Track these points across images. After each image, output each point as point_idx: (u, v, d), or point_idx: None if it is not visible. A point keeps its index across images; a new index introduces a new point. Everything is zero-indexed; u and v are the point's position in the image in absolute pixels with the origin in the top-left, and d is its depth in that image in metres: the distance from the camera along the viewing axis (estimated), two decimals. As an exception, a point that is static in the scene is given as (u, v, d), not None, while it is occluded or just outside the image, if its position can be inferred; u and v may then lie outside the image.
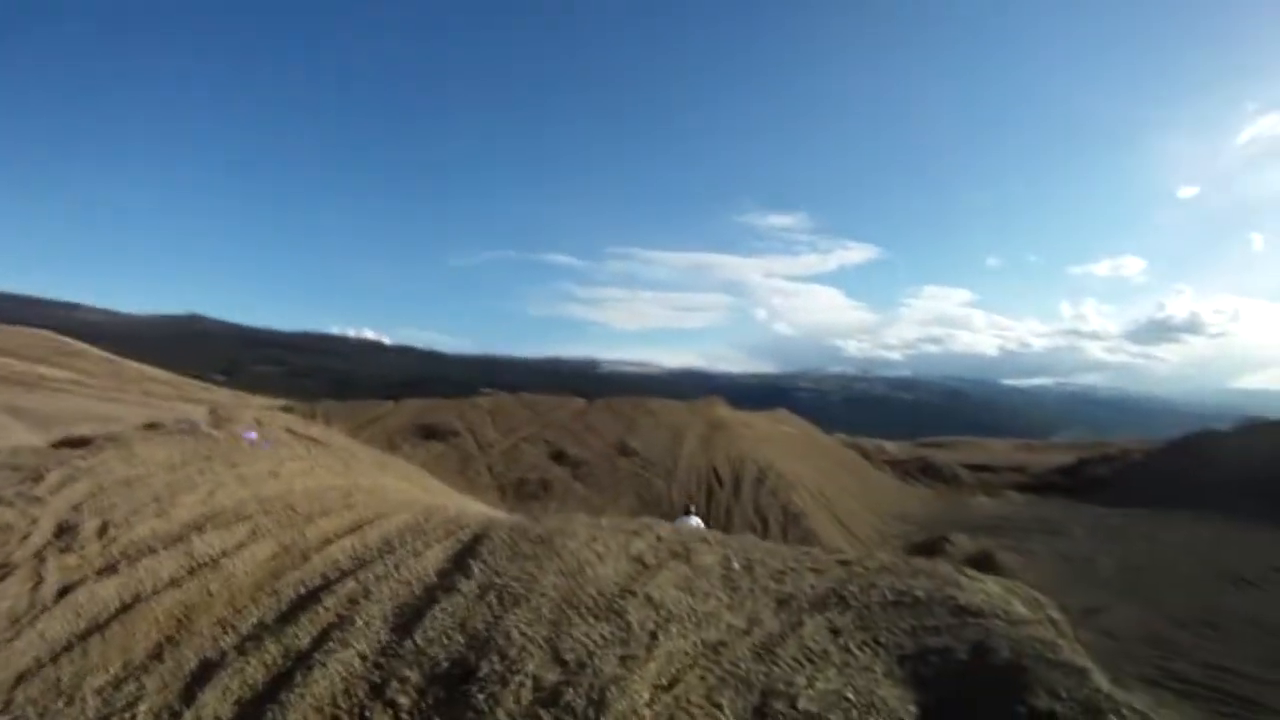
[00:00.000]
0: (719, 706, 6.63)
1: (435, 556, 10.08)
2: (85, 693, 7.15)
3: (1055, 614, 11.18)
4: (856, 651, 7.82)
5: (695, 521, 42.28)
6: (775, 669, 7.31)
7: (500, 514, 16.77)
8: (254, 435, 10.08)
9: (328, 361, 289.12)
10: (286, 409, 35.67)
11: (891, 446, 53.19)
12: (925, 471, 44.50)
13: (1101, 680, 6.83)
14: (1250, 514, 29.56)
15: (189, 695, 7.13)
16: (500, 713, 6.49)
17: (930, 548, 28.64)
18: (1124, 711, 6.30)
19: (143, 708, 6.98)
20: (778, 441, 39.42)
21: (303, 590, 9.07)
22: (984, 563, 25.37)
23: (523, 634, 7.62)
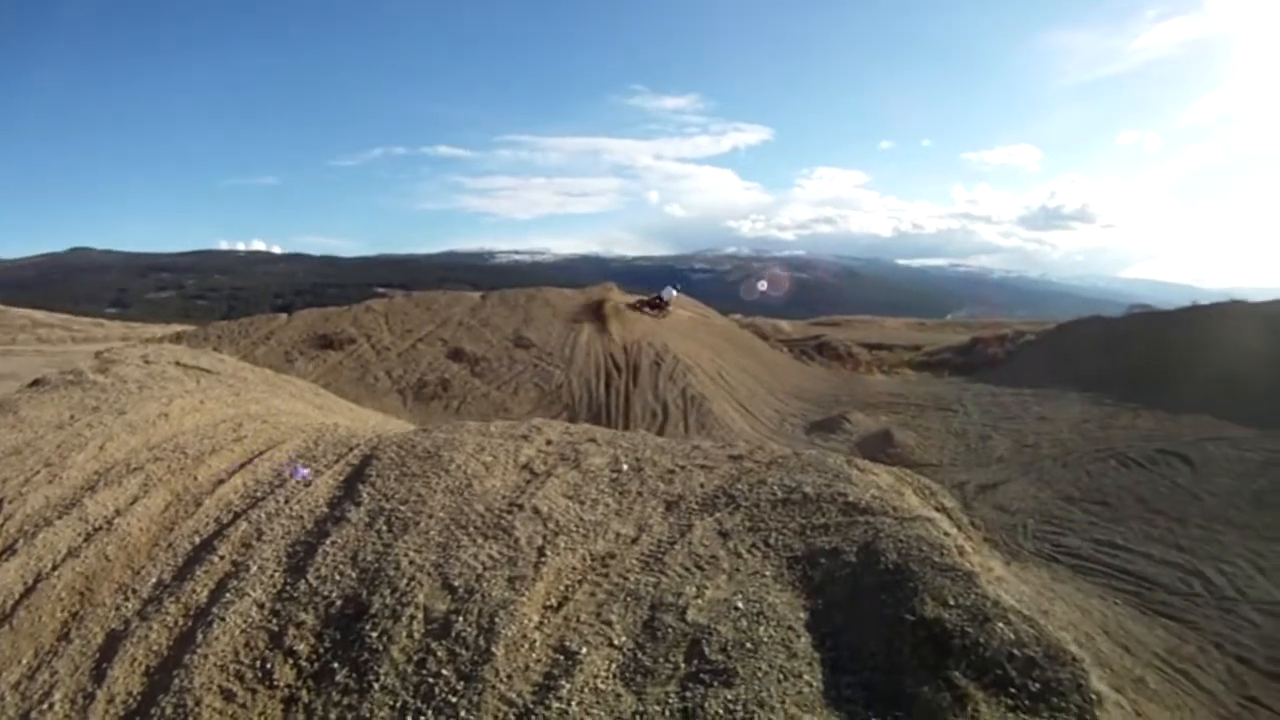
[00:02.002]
0: (608, 623, 6.81)
1: (326, 484, 10.11)
2: (3, 690, 7.11)
3: (947, 501, 11.82)
4: (746, 555, 8.03)
5: (672, 293, 42.92)
6: (664, 579, 7.49)
7: (395, 424, 16.75)
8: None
9: (221, 279, 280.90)
10: (176, 338, 34.76)
11: (788, 326, 53.75)
12: (821, 350, 45.10)
13: (988, 585, 7.06)
14: (1136, 398, 30.91)
15: (99, 673, 7.10)
16: (394, 650, 6.66)
17: (829, 425, 29.50)
18: (1010, 617, 6.53)
19: (58, 695, 6.93)
20: (672, 325, 39.66)
21: (197, 540, 9.03)
22: (882, 439, 26.49)
23: (412, 562, 7.81)
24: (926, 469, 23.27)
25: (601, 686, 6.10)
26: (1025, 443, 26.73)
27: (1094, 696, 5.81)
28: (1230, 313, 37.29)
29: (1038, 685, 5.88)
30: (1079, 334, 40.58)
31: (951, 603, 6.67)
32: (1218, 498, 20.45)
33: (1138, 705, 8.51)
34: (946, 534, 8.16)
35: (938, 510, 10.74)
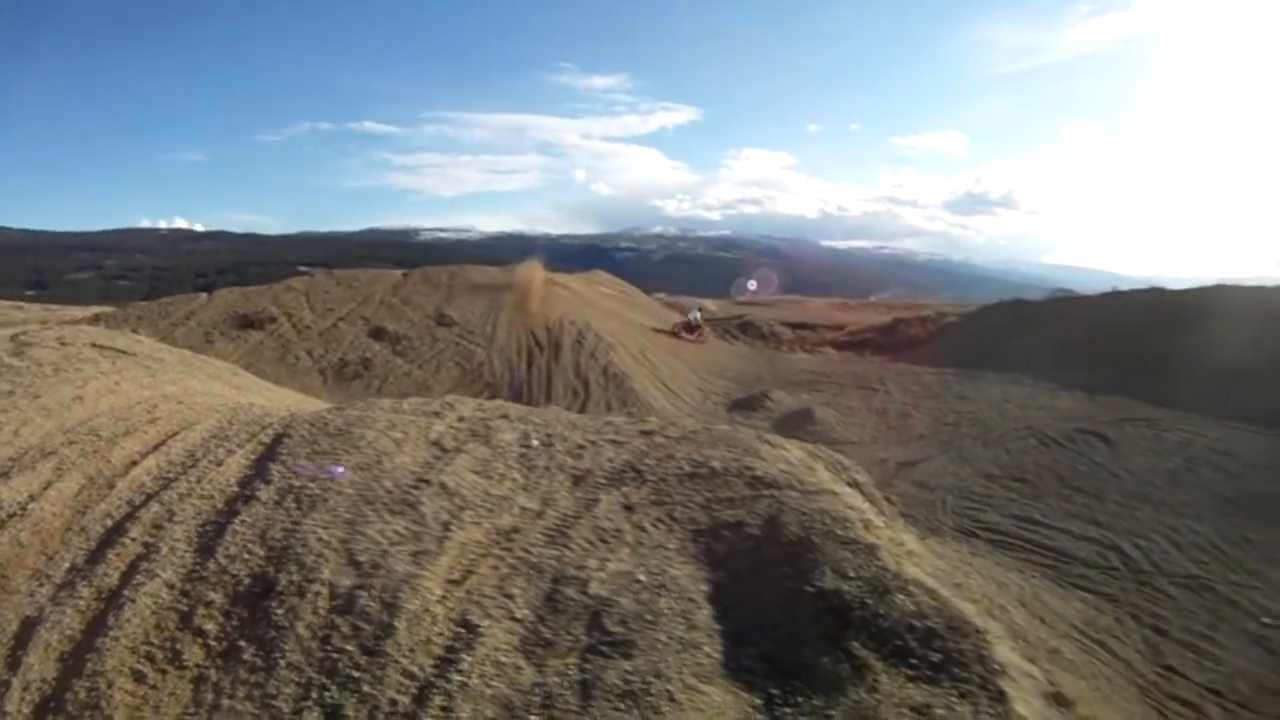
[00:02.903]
0: (510, 596, 6.81)
1: (237, 463, 9.91)
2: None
3: (860, 477, 11.90)
4: (650, 528, 8.02)
5: (698, 314, 42.71)
6: (568, 552, 7.48)
7: (313, 404, 16.44)
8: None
9: (142, 259, 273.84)
10: (95, 320, 33.90)
11: (712, 305, 53.78)
12: (745, 329, 45.16)
13: (889, 558, 7.08)
14: (1056, 379, 31.43)
15: (14, 661, 6.90)
16: (299, 626, 6.59)
17: (751, 403, 29.62)
18: (911, 589, 6.58)
19: (-27, 686, 6.74)
20: (595, 303, 39.49)
21: (109, 523, 8.77)
22: (802, 417, 26.62)
23: (319, 539, 7.69)
24: (847, 446, 23.37)
25: (502, 659, 6.09)
26: (945, 421, 27.11)
27: (997, 666, 5.85)
28: (1149, 299, 38.03)
29: (939, 656, 5.91)
30: (1000, 316, 41.17)
31: (852, 575, 6.71)
32: (1135, 475, 20.84)
33: (1051, 675, 8.18)
34: (852, 508, 8.17)
35: (850, 485, 10.80)
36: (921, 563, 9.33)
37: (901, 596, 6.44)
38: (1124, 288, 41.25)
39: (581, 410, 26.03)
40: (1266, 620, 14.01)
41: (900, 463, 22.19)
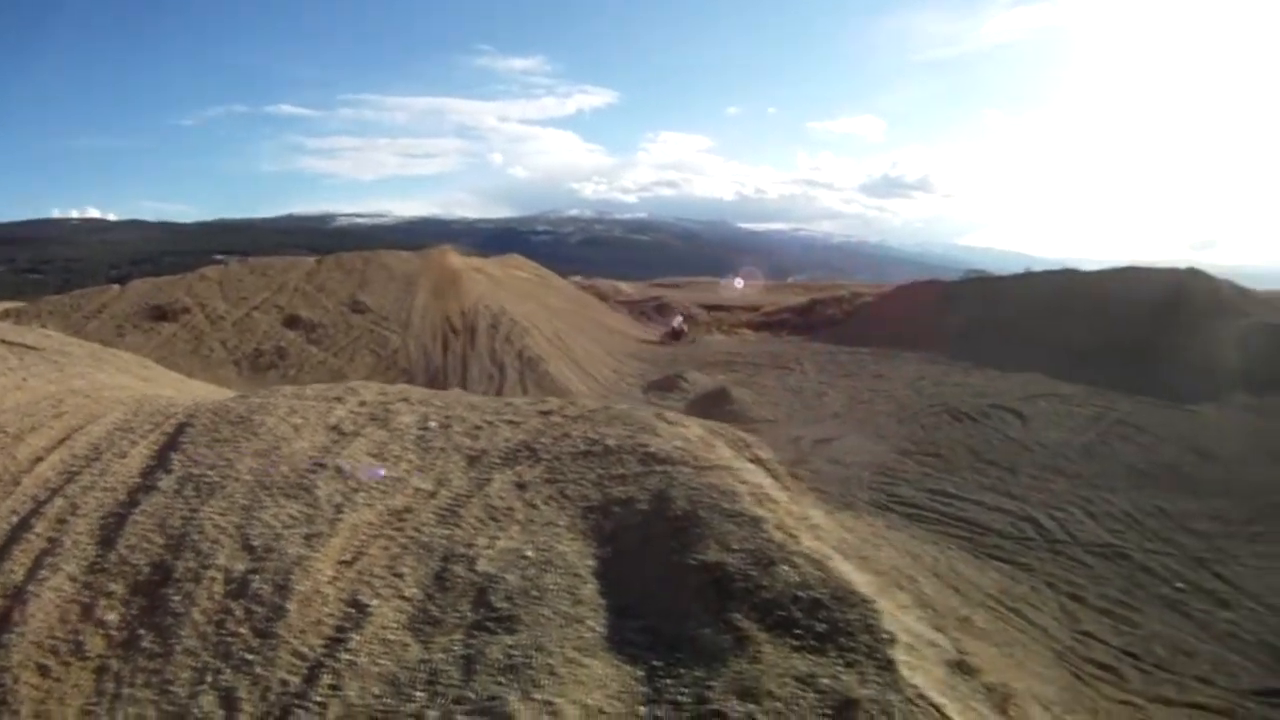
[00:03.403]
0: (400, 576, 6.92)
1: (140, 455, 9.75)
2: None
3: (763, 453, 11.86)
4: (542, 506, 8.03)
5: (680, 318, 42.58)
6: (458, 531, 7.51)
7: (223, 394, 16.04)
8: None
9: (54, 250, 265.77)
10: (3, 315, 32.81)
11: (628, 287, 53.83)
12: (661, 311, 45.49)
13: (775, 530, 7.03)
14: (970, 357, 32.05)
15: None
16: (195, 612, 6.64)
17: (666, 385, 29.66)
18: (796, 560, 6.52)
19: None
20: (510, 287, 39.11)
21: (15, 520, 8.54)
22: (718, 397, 26.55)
23: (216, 525, 7.76)
24: (762, 425, 23.52)
25: (390, 637, 6.19)
26: (860, 399, 27.27)
27: (885, 635, 5.78)
28: (1061, 280, 39.10)
29: (824, 626, 5.85)
30: (915, 296, 41.74)
31: (735, 547, 6.69)
32: (1048, 449, 21.20)
33: (960, 643, 8.17)
34: (744, 483, 8.18)
35: (752, 462, 10.79)
36: (826, 536, 9.32)
37: (786, 568, 6.38)
38: (1037, 269, 42.16)
39: (497, 394, 25.74)
40: (1180, 585, 14.19)
41: (816, 440, 22.11)
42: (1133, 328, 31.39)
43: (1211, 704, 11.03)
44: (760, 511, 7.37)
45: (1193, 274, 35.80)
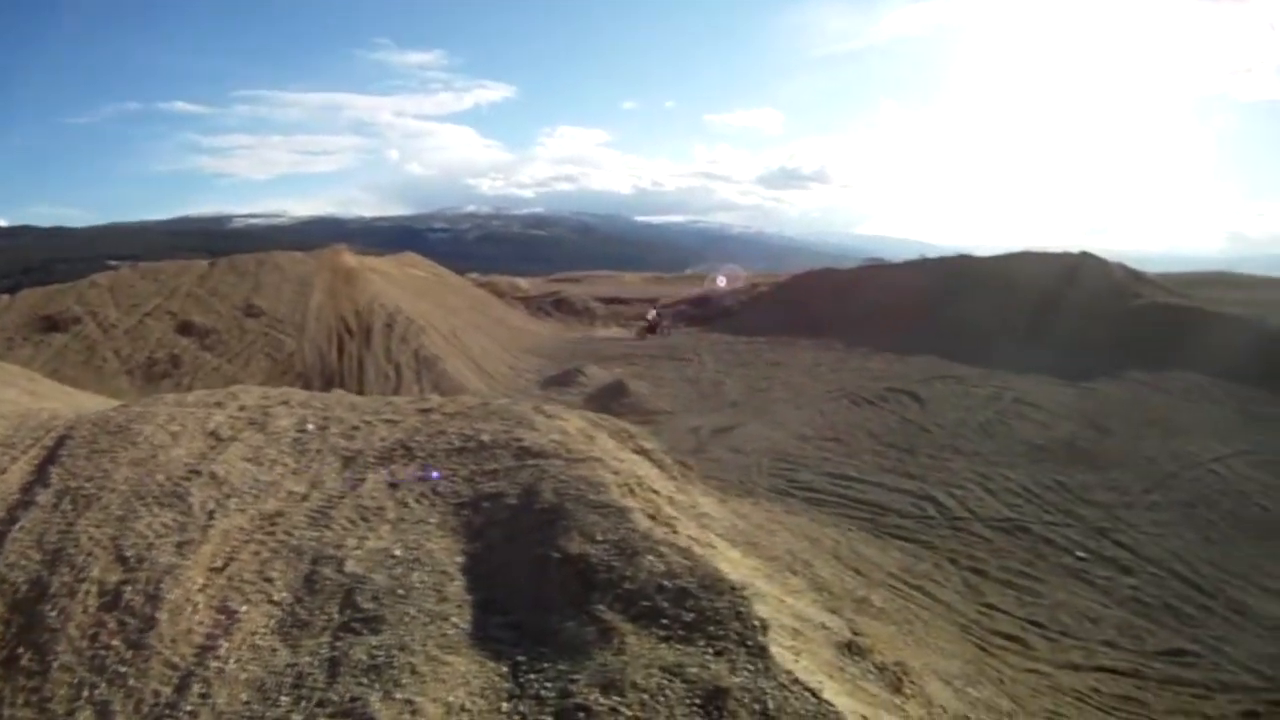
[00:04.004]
0: (270, 580, 6.87)
1: (20, 470, 9.40)
2: None
3: (647, 444, 11.79)
4: (413, 504, 7.99)
5: (653, 314, 41.29)
6: (328, 533, 7.44)
7: (107, 405, 15.39)
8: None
9: None
10: None
11: (525, 283, 53.37)
12: (558, 306, 45.20)
13: (641, 520, 6.97)
14: (867, 342, 32.38)
15: None
16: (70, 627, 6.50)
17: (564, 379, 29.35)
18: (662, 550, 6.45)
19: None
20: (406, 286, 38.49)
21: None
22: (615, 390, 26.42)
23: (91, 538, 7.57)
24: (660, 416, 23.63)
25: (259, 642, 6.14)
26: (758, 387, 27.31)
27: (756, 623, 5.66)
28: (955, 265, 39.75)
29: (692, 615, 5.75)
30: (811, 285, 42.01)
31: (599, 538, 6.64)
32: (946, 429, 21.42)
33: (854, 624, 8.16)
34: (614, 473, 8.17)
35: (636, 452, 10.88)
36: (713, 524, 9.44)
37: (651, 558, 6.31)
38: (932, 256, 42.55)
39: (394, 395, 24.96)
40: (1081, 555, 14.46)
41: (714, 429, 22.04)
42: (1028, 310, 32.16)
43: (1119, 666, 11.25)
44: (628, 502, 7.30)
45: (1086, 257, 36.61)
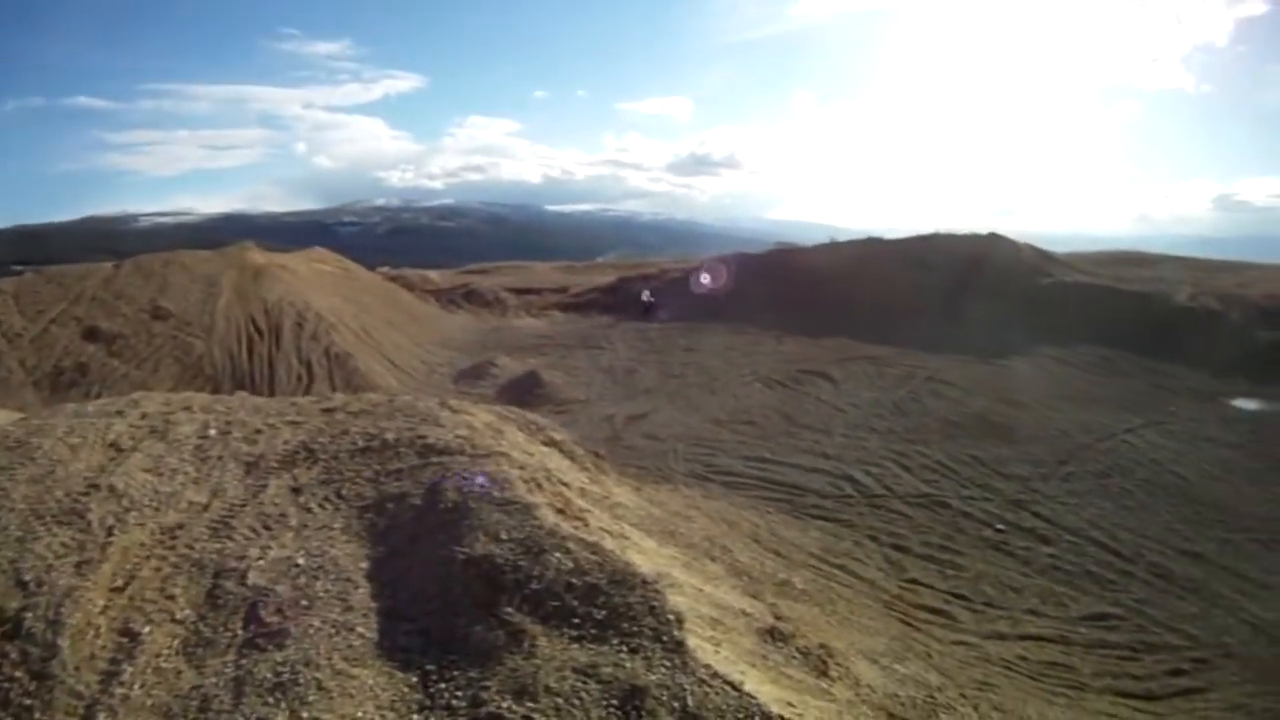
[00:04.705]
0: (172, 598, 6.64)
1: None
2: None
3: (557, 435, 11.64)
4: (317, 509, 7.76)
5: (646, 292, 40.76)
6: (230, 544, 7.23)
7: (6, 418, 14.85)
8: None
9: None
10: None
11: (435, 275, 52.66)
12: (469, 298, 44.62)
13: (548, 516, 6.84)
14: (780, 325, 32.59)
15: None
16: None
17: (476, 372, 29.02)
18: (569, 546, 6.32)
19: None
20: (315, 282, 37.78)
21: None
22: (529, 381, 26.22)
23: None
24: (574, 405, 23.47)
25: (164, 664, 5.94)
26: (672, 373, 27.27)
27: (671, 617, 5.59)
28: (865, 247, 40.03)
29: (603, 612, 5.66)
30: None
31: (504, 537, 6.48)
32: (860, 409, 21.57)
33: (777, 608, 8.24)
34: (521, 468, 8.07)
35: (546, 444, 10.76)
36: (627, 514, 9.34)
37: (558, 555, 6.18)
38: (842, 239, 42.85)
39: (306, 394, 24.49)
40: (1000, 527, 14.63)
41: (629, 416, 21.92)
42: (939, 290, 32.66)
43: (1045, 633, 11.43)
44: (534, 497, 7.18)
45: (994, 238, 37.37)
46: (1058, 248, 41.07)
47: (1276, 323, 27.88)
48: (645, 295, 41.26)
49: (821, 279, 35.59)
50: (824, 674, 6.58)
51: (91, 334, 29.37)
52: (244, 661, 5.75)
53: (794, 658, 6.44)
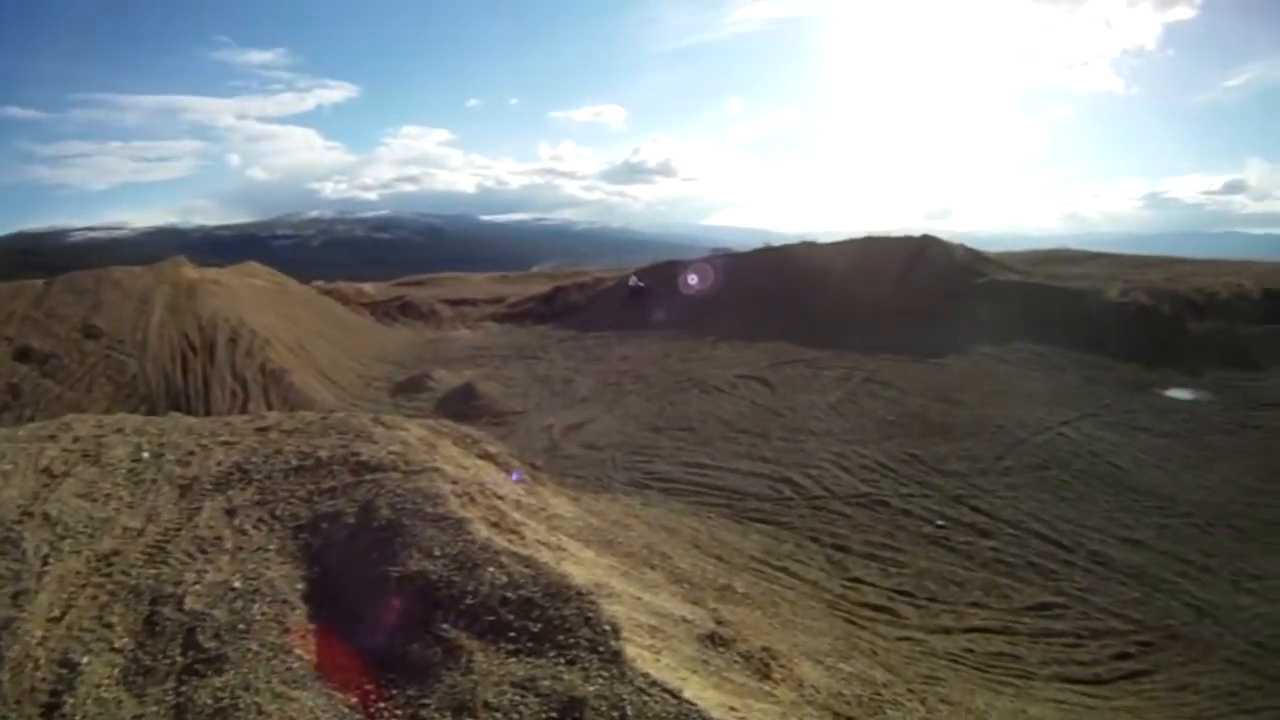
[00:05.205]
0: (110, 626, 6.51)
1: None
2: None
3: (492, 448, 11.63)
4: (251, 531, 7.70)
5: (634, 278, 41.34)
6: (166, 569, 7.12)
7: None
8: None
9: None
10: None
11: (370, 288, 52.37)
12: (405, 310, 44.49)
13: (481, 530, 6.85)
14: (715, 331, 32.84)
15: None
16: None
17: (413, 385, 28.95)
18: (503, 560, 6.34)
19: None
20: (249, 297, 37.27)
21: None
22: (465, 393, 26.20)
23: None
24: (511, 417, 23.49)
25: (104, 695, 5.80)
26: (609, 381, 27.35)
27: (607, 627, 5.61)
28: (800, 251, 40.42)
29: (539, 625, 5.68)
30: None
31: (437, 553, 6.50)
32: (798, 412, 21.77)
33: (718, 614, 8.29)
34: (454, 483, 8.04)
35: (481, 458, 10.74)
36: (565, 525, 9.29)
37: (492, 569, 6.20)
38: (777, 243, 43.10)
39: (242, 412, 24.39)
40: (940, 523, 14.84)
41: (567, 426, 21.98)
42: (874, 292, 33.00)
43: (990, 625, 11.61)
44: (467, 512, 7.18)
45: (928, 239, 37.89)
46: (991, 248, 42.01)
47: (1207, 315, 28.66)
48: (633, 281, 41.33)
49: (757, 283, 35.92)
50: (767, 676, 6.62)
51: (23, 354, 28.76)
52: (184, 689, 5.70)
53: (736, 662, 6.47)
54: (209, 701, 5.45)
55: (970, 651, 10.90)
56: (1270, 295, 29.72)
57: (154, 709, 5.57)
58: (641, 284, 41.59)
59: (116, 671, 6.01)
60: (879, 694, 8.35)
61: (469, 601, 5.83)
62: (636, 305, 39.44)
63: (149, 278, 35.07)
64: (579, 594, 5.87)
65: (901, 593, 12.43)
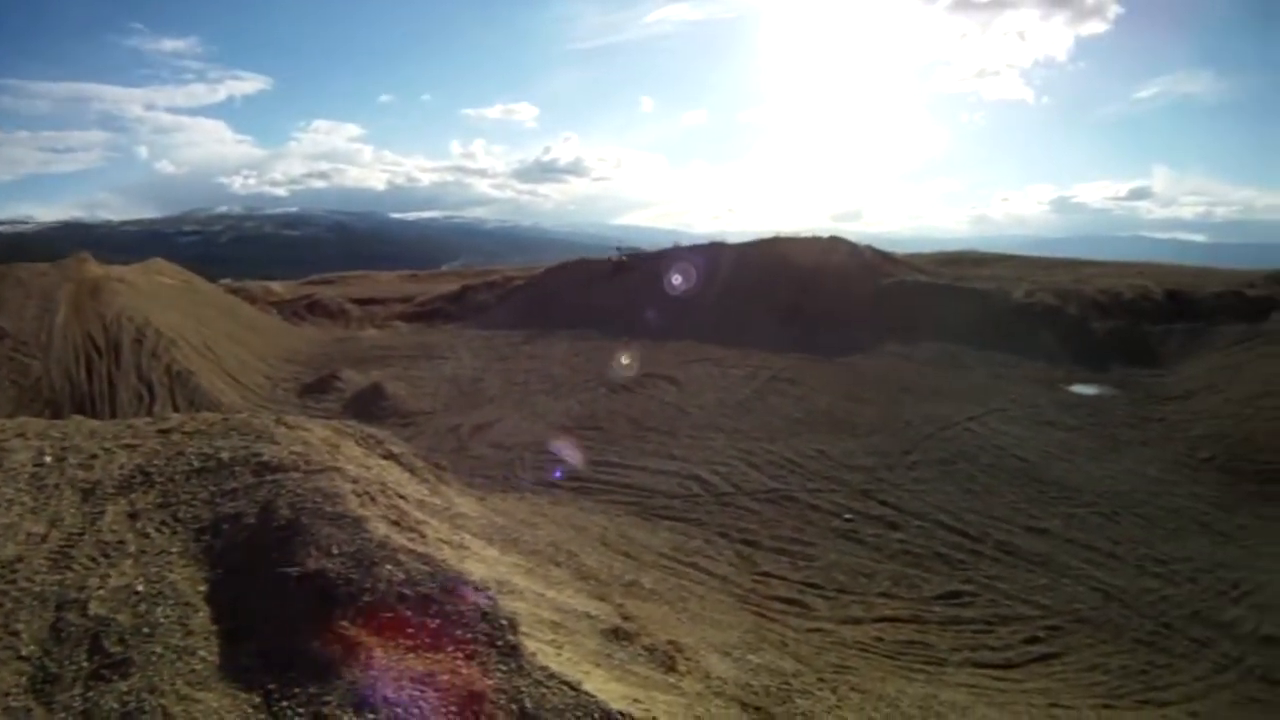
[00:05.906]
0: (16, 634, 6.31)
1: None
2: None
3: (396, 448, 11.60)
4: (154, 534, 7.57)
5: (616, 252, 42.05)
6: (70, 574, 7.00)
7: None
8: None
9: None
10: None
11: (279, 287, 51.69)
12: (313, 309, 43.99)
13: (379, 528, 6.86)
14: (624, 331, 33.17)
15: None
16: None
17: (321, 386, 28.71)
18: (400, 557, 6.37)
19: None
20: (155, 296, 36.42)
21: None
22: (373, 394, 26.14)
23: None
24: (420, 417, 23.47)
25: (13, 703, 5.68)
26: (516, 381, 27.47)
27: (505, 621, 5.69)
28: (709, 251, 40.89)
29: (437, 621, 5.71)
30: (566, 276, 42.13)
31: (336, 552, 6.47)
32: (705, 410, 22.11)
33: (624, 609, 8.46)
34: (354, 482, 8.06)
35: (385, 458, 10.75)
36: (469, 524, 9.34)
37: (389, 567, 6.20)
38: (687, 244, 43.49)
39: (149, 415, 23.73)
40: (849, 516, 15.19)
41: (475, 426, 22.07)
42: (782, 292, 33.60)
43: (899, 614, 11.96)
44: (365, 511, 7.18)
45: (835, 240, 38.82)
46: (899, 249, 43.15)
47: (1110, 314, 29.83)
48: (616, 254, 42.29)
49: (666, 282, 36.40)
50: (672, 669, 6.75)
51: (-76, 357, 27.96)
52: (91, 694, 5.62)
53: (640, 655, 6.58)
54: (115, 706, 5.41)
55: (880, 640, 11.20)
56: (1173, 296, 30.96)
57: (62, 715, 5.51)
58: (624, 257, 42.22)
59: (24, 679, 5.91)
60: (788, 684, 8.56)
61: (367, 599, 5.84)
62: (620, 278, 39.95)
63: (53, 275, 34.14)
64: (476, 589, 5.92)
65: (811, 585, 12.68)
